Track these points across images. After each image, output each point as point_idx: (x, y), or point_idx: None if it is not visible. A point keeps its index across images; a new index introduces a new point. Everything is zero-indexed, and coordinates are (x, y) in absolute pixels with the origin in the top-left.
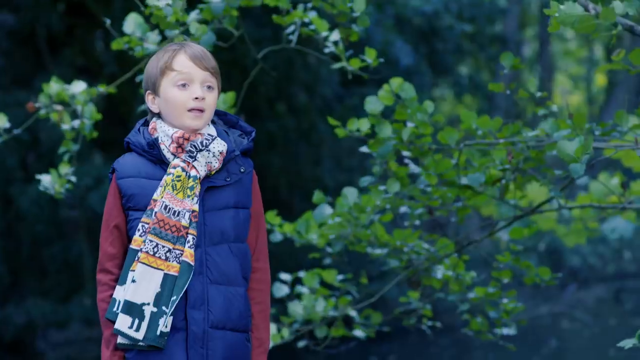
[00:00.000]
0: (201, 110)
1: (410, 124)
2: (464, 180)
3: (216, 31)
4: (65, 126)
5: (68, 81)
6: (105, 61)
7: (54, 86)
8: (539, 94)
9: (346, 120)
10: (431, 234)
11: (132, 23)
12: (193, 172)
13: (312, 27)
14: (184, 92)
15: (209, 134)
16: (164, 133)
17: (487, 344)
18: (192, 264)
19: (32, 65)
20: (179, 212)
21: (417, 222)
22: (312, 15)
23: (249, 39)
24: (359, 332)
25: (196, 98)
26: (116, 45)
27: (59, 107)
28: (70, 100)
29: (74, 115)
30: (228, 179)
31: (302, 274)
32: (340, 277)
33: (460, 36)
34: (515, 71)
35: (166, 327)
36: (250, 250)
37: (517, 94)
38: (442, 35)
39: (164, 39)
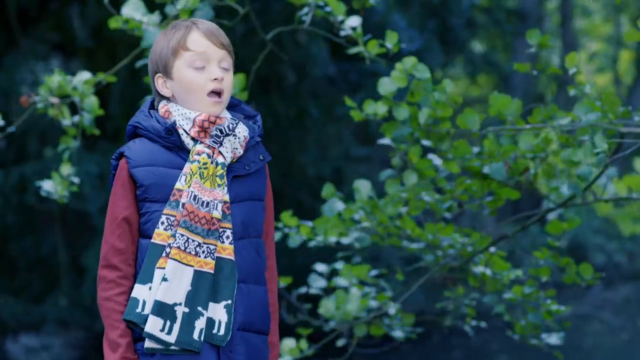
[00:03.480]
0: (220, 95)
1: (425, 108)
2: (486, 170)
3: (218, 8)
4: (66, 122)
5: (42, 58)
6: (82, 37)
7: (56, 78)
8: (573, 71)
9: (341, 101)
10: (462, 228)
11: (131, 6)
12: (220, 159)
13: (327, 9)
14: (201, 74)
15: (231, 117)
16: (182, 116)
17: (503, 347)
18: (235, 260)
19: (2, 43)
20: (208, 203)
21: (448, 215)
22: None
23: (235, 12)
24: (398, 333)
25: (215, 79)
26: (113, 23)
27: (55, 100)
28: (70, 91)
29: (72, 108)
30: (248, 168)
31: (339, 265)
32: (374, 272)
33: (472, 9)
34: (533, 49)
35: (203, 330)
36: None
37: (544, 73)
38: (452, 8)
39: (164, 19)
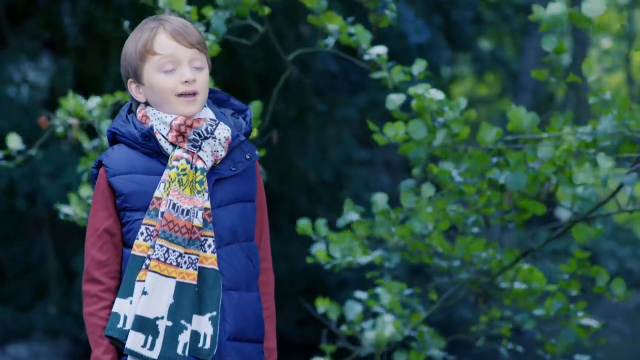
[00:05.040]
0: (193, 94)
1: (442, 130)
2: (502, 180)
3: (239, 28)
4: (87, 145)
5: (31, 56)
6: (73, 34)
7: (71, 101)
8: (592, 78)
9: (342, 102)
10: (491, 243)
11: None
12: (199, 164)
13: (350, 29)
14: (171, 77)
15: (210, 119)
16: (159, 120)
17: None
18: (218, 269)
19: None
20: (188, 211)
21: (475, 230)
22: (353, 27)
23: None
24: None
25: (186, 81)
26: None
27: (73, 122)
28: (86, 114)
29: (89, 129)
30: (234, 168)
31: (379, 290)
32: (409, 291)
33: (480, 4)
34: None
35: (187, 344)
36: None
37: (562, 80)
38: (459, 3)
39: None
